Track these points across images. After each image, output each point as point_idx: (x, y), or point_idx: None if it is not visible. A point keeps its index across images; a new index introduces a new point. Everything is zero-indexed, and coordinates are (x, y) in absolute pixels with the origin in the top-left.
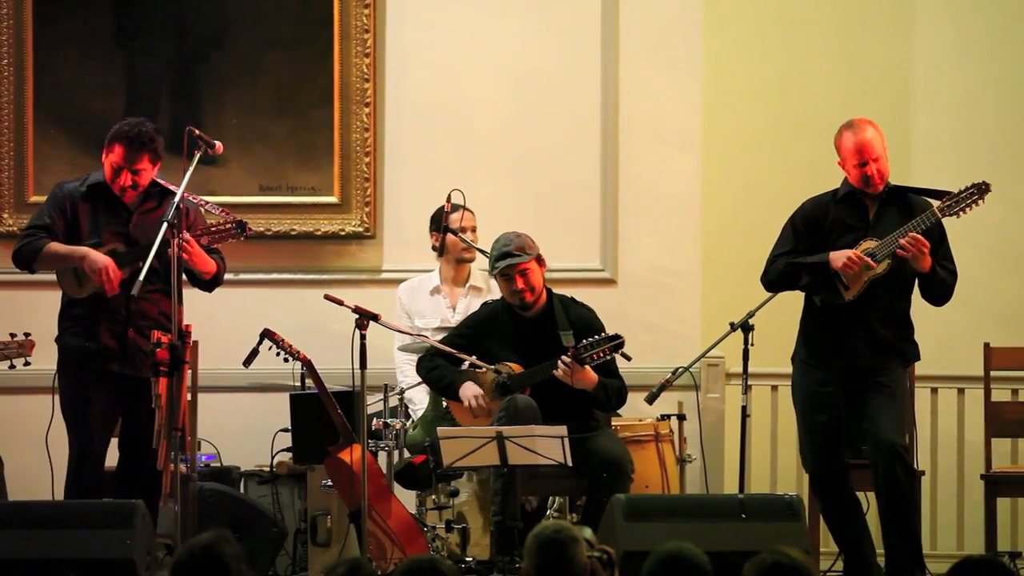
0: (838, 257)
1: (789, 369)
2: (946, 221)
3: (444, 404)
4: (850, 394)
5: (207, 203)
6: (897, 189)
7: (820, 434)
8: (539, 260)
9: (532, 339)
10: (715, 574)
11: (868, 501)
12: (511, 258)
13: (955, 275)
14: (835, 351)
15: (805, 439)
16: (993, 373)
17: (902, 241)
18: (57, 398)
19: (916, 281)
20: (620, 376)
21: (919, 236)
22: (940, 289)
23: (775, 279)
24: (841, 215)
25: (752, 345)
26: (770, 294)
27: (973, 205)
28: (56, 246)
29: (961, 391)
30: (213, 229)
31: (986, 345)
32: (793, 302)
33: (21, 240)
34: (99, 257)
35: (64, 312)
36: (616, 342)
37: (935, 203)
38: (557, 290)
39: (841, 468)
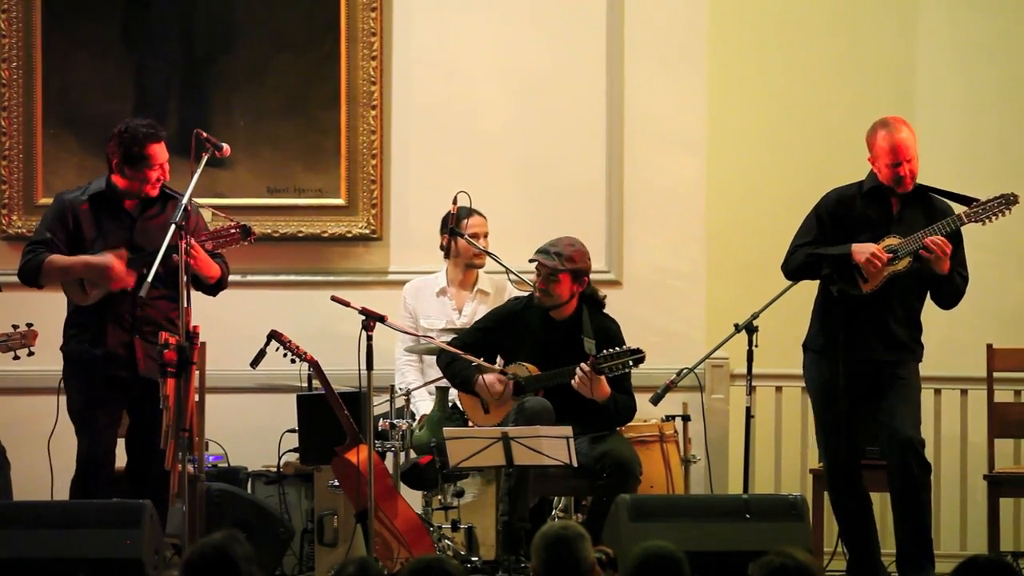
0: (861, 251)
1: (793, 370)
2: None
3: (451, 404)
4: (863, 388)
5: (209, 209)
6: (923, 189)
7: (836, 425)
8: (575, 275)
9: (555, 342)
10: (720, 574)
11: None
12: (543, 255)
13: (967, 281)
14: (849, 344)
15: (821, 431)
16: (996, 374)
17: (926, 241)
18: (63, 400)
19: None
20: (632, 394)
21: (944, 239)
22: (953, 294)
23: (796, 268)
24: (865, 209)
25: (756, 346)
26: (773, 296)
27: (999, 214)
28: (57, 258)
29: (964, 392)
30: (217, 234)
31: (989, 346)
32: (798, 303)
33: (23, 258)
34: (100, 260)
35: (70, 319)
36: (637, 356)
37: (957, 207)
38: None
39: (856, 462)
